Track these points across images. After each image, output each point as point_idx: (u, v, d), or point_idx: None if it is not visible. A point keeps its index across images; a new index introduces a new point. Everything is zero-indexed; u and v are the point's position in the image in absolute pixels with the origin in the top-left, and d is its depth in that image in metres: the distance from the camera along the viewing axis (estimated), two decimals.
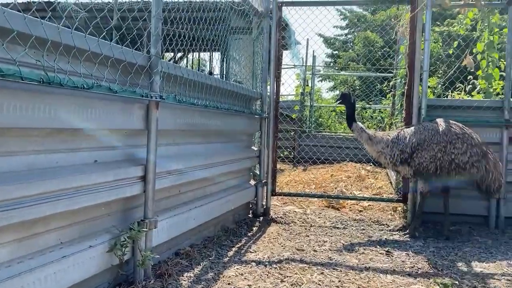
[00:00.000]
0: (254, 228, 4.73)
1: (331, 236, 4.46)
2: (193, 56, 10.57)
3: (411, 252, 3.94)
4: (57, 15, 2.24)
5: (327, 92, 23.28)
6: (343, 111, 15.52)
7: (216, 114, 4.08)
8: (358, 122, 4.74)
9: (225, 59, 6.55)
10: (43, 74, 1.98)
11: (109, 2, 5.52)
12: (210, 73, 8.81)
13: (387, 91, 11.28)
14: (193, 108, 3.57)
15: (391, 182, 7.23)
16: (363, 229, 4.83)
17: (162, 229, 3.09)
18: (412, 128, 4.56)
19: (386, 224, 5.07)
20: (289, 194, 5.79)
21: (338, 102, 4.97)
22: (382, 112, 13.27)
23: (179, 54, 10.24)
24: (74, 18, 2.53)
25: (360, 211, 5.76)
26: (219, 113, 4.15)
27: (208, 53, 9.35)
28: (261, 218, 5.16)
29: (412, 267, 3.52)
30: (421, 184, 4.55)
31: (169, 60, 8.93)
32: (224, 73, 6.57)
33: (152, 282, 2.84)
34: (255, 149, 5.33)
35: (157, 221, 2.91)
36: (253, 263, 3.47)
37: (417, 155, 4.36)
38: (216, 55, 8.90)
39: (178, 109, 3.38)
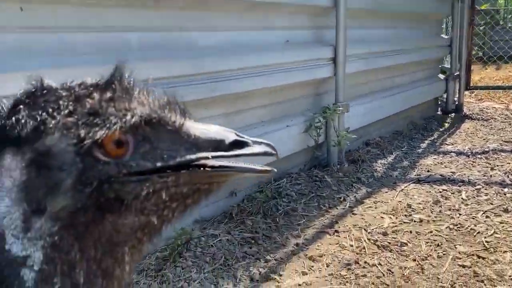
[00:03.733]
0: (446, 124, 4.31)
1: None
2: None
3: None
4: None
5: None
6: None
7: None
8: None
9: None
10: None
11: None
12: None
13: None
14: None
15: None
16: None
17: (353, 115, 2.97)
18: None
19: None
20: (487, 88, 5.04)
21: None
22: None
23: None
24: None
25: None
26: None
27: None
28: (452, 114, 4.64)
29: None
30: None
31: None
32: None
33: (346, 166, 2.80)
34: (445, 37, 4.69)
35: (349, 105, 2.80)
36: (452, 154, 3.15)
37: None
38: None
39: None
